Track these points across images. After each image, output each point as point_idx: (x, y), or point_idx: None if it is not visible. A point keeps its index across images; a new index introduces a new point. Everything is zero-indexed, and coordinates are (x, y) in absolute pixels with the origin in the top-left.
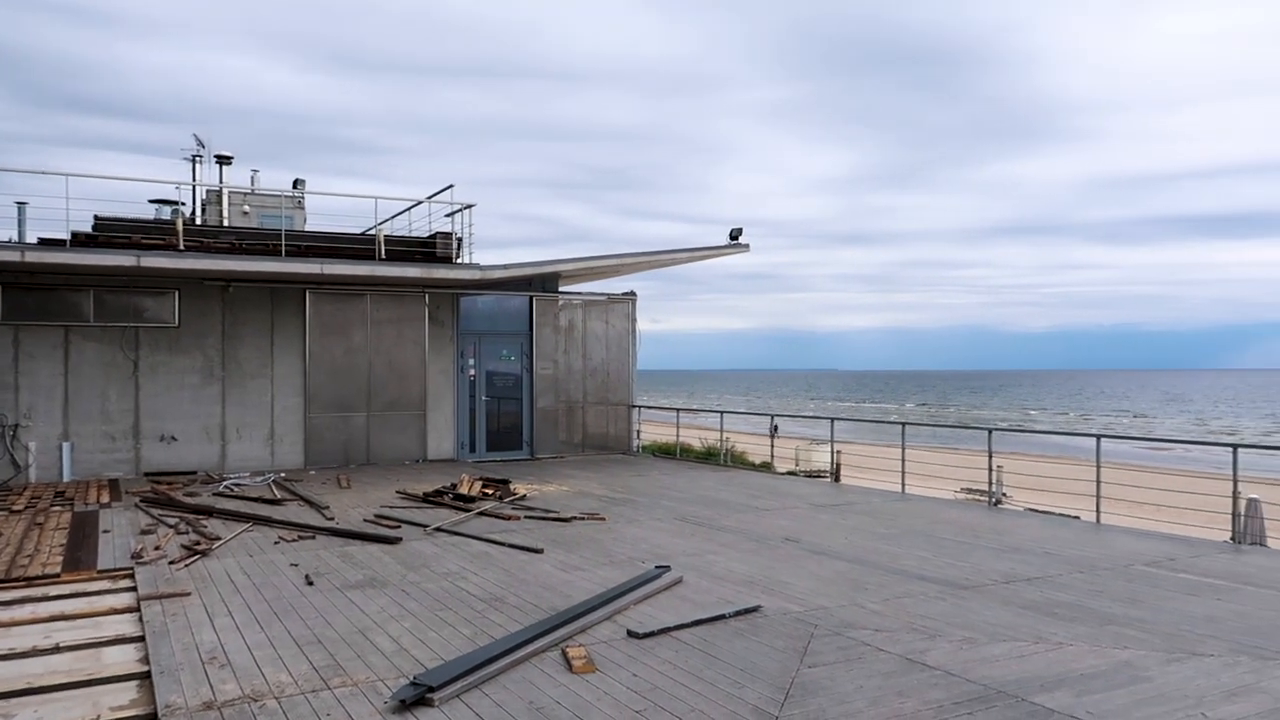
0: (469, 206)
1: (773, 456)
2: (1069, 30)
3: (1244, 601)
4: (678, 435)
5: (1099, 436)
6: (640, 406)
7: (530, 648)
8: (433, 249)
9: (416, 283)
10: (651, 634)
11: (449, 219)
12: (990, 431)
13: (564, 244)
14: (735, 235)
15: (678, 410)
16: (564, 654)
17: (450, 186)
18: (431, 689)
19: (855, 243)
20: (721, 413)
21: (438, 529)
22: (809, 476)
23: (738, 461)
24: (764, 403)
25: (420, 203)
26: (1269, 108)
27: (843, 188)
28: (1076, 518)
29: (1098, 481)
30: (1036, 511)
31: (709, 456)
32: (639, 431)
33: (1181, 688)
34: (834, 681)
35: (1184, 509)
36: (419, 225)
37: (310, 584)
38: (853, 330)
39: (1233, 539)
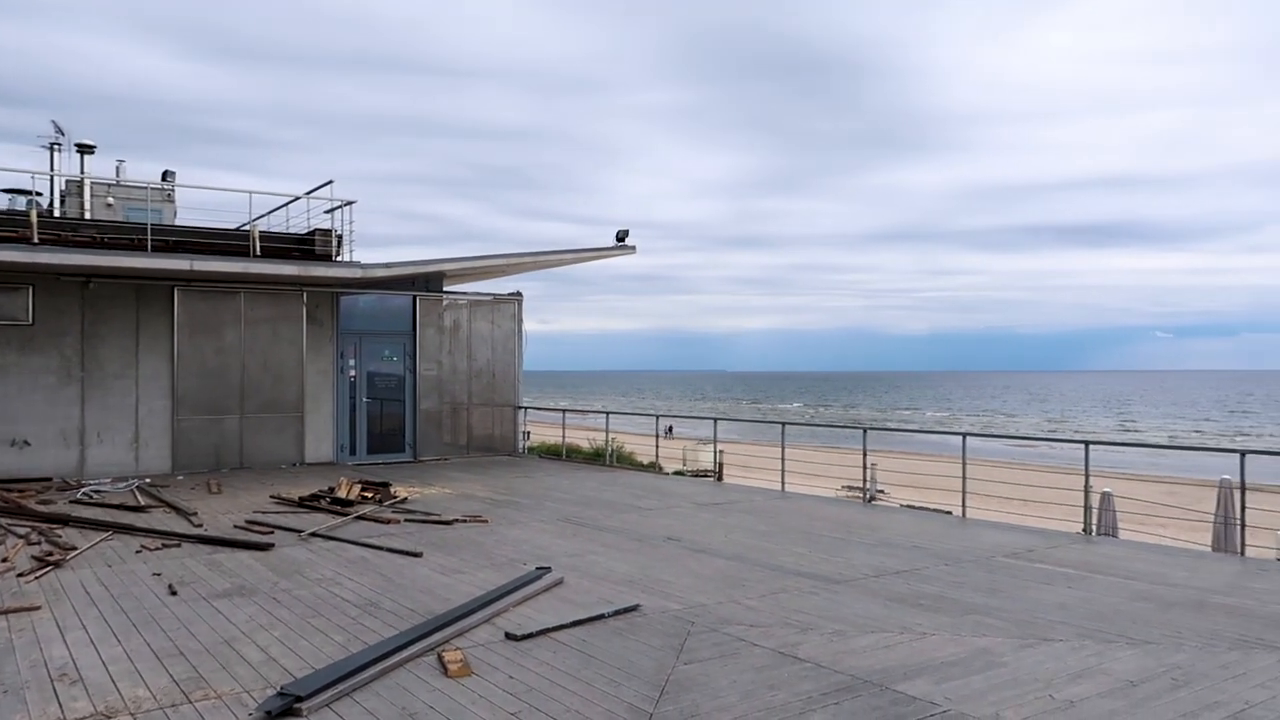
0: (349, 203)
1: (657, 456)
2: (949, 45)
3: (1092, 589)
4: (564, 436)
5: (965, 435)
6: (526, 407)
7: (405, 653)
8: (311, 246)
9: (293, 281)
10: (530, 635)
11: (329, 215)
12: (865, 431)
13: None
14: (621, 237)
15: (563, 411)
16: (440, 658)
17: (330, 182)
18: (300, 699)
19: (745, 246)
20: (607, 413)
21: (312, 534)
22: (696, 476)
23: (625, 461)
24: (651, 403)
25: (298, 198)
26: (1128, 126)
27: (733, 192)
28: (949, 513)
29: (963, 478)
30: (910, 507)
31: (596, 457)
32: (526, 433)
33: (1033, 671)
34: (709, 677)
35: (1043, 503)
36: (297, 222)
37: (174, 594)
38: (742, 332)
39: (1085, 531)
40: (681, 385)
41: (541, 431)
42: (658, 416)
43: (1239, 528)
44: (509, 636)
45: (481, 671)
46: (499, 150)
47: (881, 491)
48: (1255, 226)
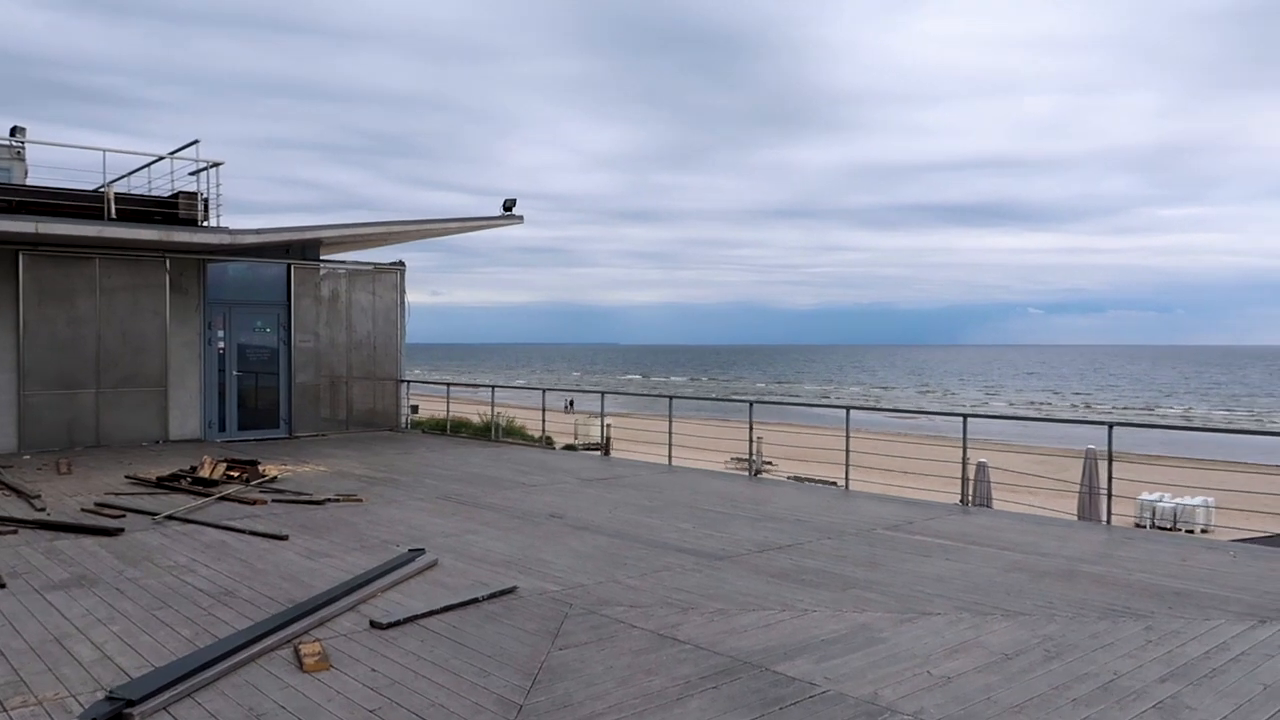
0: (216, 165)
1: (544, 429)
2: (840, 25)
3: (968, 560)
4: (448, 410)
5: (848, 408)
6: (409, 381)
7: (258, 646)
8: (174, 210)
9: (155, 246)
10: (397, 623)
11: (194, 178)
12: (751, 404)
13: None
14: (508, 206)
15: (448, 385)
16: (296, 651)
17: (195, 142)
18: (131, 702)
19: (639, 220)
20: (494, 387)
21: (168, 517)
22: (587, 450)
23: (516, 435)
24: (540, 377)
25: (161, 159)
26: (1005, 110)
27: (627, 165)
28: (835, 484)
29: (846, 450)
30: (796, 480)
31: (485, 431)
32: (412, 407)
33: (911, 647)
34: (584, 663)
35: (922, 475)
36: (162, 184)
37: (2, 586)
38: (636, 306)
39: (962, 502)
40: (573, 358)
41: (432, 406)
42: (544, 390)
43: (1106, 497)
44: (374, 625)
45: (341, 664)
46: (388, 116)
47: (769, 464)
48: (1121, 209)
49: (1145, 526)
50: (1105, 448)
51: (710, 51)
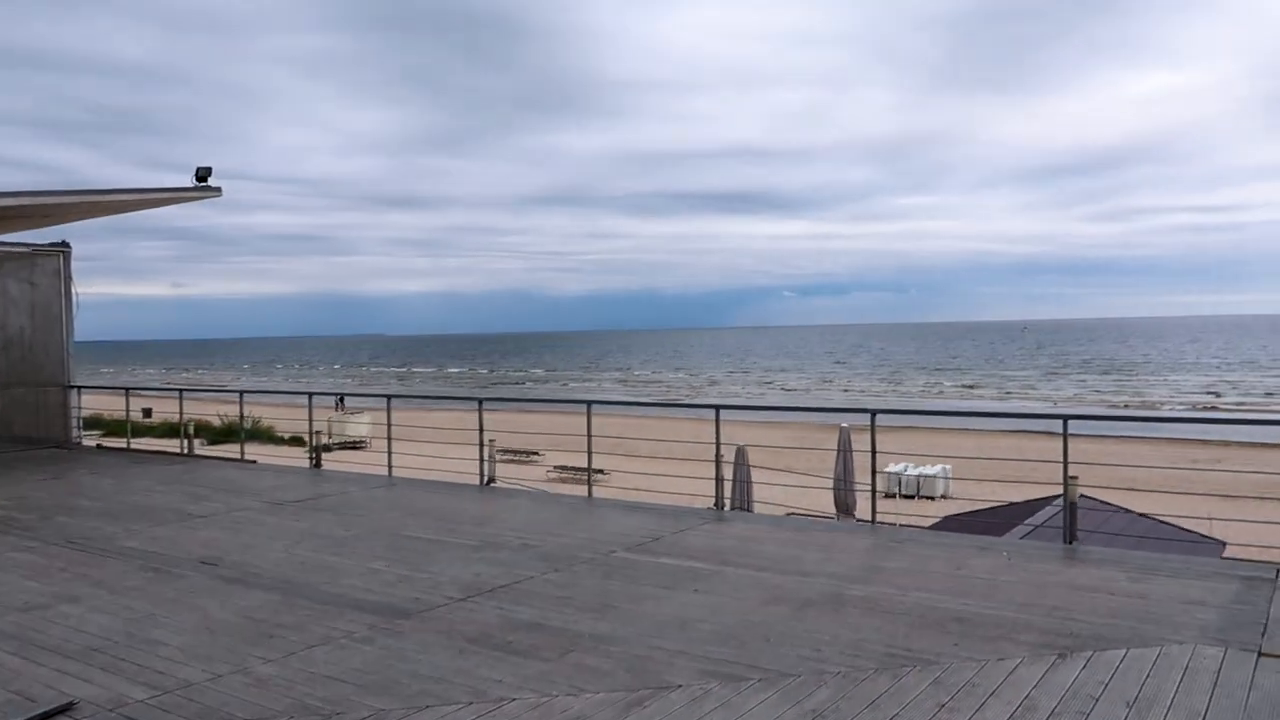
0: None
1: (240, 435)
2: (604, 10)
3: (721, 590)
4: (127, 418)
5: (589, 403)
6: (81, 387)
7: None
8: None
9: None
10: None
11: None
12: (480, 402)
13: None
14: (202, 176)
15: (126, 390)
16: None
17: None
18: None
19: (406, 206)
20: (181, 390)
21: None
22: (349, 447)
23: (264, 436)
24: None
25: None
26: (759, 101)
27: (392, 148)
28: (599, 473)
29: (589, 453)
30: (536, 487)
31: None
32: (79, 419)
33: None
34: None
35: (677, 477)
36: None
37: None
38: (403, 294)
39: (717, 505)
40: (334, 351)
41: (166, 408)
42: (241, 393)
43: (871, 494)
44: None
45: None
46: (118, 90)
47: (537, 453)
48: (863, 197)
49: (894, 495)
50: (860, 424)
51: (473, 32)
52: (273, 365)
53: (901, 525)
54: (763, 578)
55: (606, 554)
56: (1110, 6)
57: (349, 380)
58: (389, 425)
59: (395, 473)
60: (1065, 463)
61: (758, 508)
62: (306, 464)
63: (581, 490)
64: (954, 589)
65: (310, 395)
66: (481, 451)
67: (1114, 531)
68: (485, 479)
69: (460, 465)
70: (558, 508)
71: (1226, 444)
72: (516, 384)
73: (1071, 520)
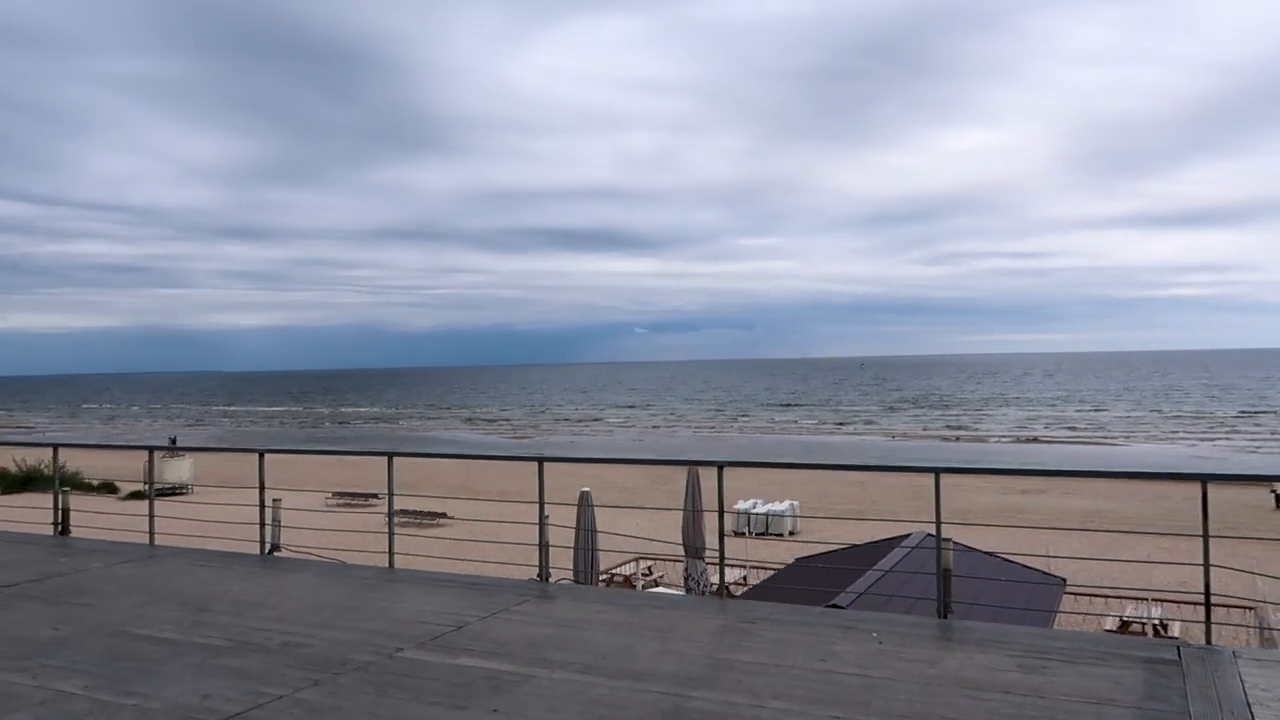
0: None
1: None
2: (452, 48)
3: (528, 710)
4: None
5: (390, 455)
6: None
7: None
8: None
9: None
10: None
11: None
12: (262, 454)
13: None
14: None
15: None
16: None
17: None
18: None
19: (243, 238)
20: None
21: None
22: (171, 494)
23: (71, 483)
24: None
25: None
26: (610, 143)
27: (230, 179)
28: (392, 560)
29: (389, 515)
30: (326, 559)
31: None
32: None
33: None
34: None
35: (511, 506)
36: None
37: None
38: (240, 329)
39: (540, 576)
40: (162, 389)
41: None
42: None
43: (720, 552)
44: None
45: None
46: None
47: (376, 496)
48: (711, 238)
49: (744, 534)
50: (707, 463)
51: (319, 63)
52: (83, 405)
53: (753, 584)
54: (586, 685)
55: (391, 653)
56: (930, 71)
57: (168, 421)
58: (149, 485)
59: (162, 540)
60: (939, 522)
61: (603, 557)
62: (50, 530)
63: (417, 537)
64: (822, 694)
65: (55, 447)
66: (262, 513)
67: (977, 581)
68: (267, 547)
69: (246, 530)
70: (347, 585)
71: (1049, 475)
72: (343, 423)
73: (946, 590)
